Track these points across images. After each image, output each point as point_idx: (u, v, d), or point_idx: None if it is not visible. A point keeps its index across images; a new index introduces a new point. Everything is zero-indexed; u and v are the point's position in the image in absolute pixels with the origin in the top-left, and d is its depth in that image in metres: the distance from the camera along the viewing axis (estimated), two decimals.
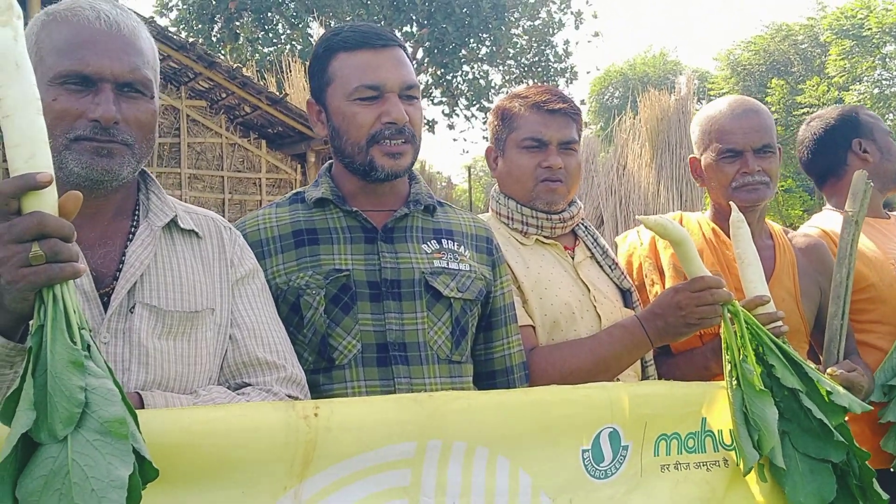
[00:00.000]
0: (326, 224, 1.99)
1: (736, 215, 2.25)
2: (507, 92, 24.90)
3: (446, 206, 2.16)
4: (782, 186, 24.54)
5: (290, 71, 11.90)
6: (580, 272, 2.37)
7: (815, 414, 1.99)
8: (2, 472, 1.13)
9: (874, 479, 2.05)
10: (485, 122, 25.49)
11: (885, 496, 2.09)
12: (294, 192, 2.12)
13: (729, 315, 2.09)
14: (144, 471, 1.21)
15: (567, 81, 25.27)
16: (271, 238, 1.97)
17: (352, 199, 2.03)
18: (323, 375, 1.88)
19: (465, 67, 24.26)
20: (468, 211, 2.23)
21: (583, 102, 33.53)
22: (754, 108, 2.53)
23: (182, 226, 1.71)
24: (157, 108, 1.65)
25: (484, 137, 29.16)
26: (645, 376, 2.39)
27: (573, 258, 2.40)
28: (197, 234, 1.74)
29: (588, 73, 35.41)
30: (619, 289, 2.44)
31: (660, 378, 2.42)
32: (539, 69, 24.91)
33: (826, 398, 2.02)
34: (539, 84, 2.46)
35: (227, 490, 1.44)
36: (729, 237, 2.48)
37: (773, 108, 20.11)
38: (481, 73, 24.69)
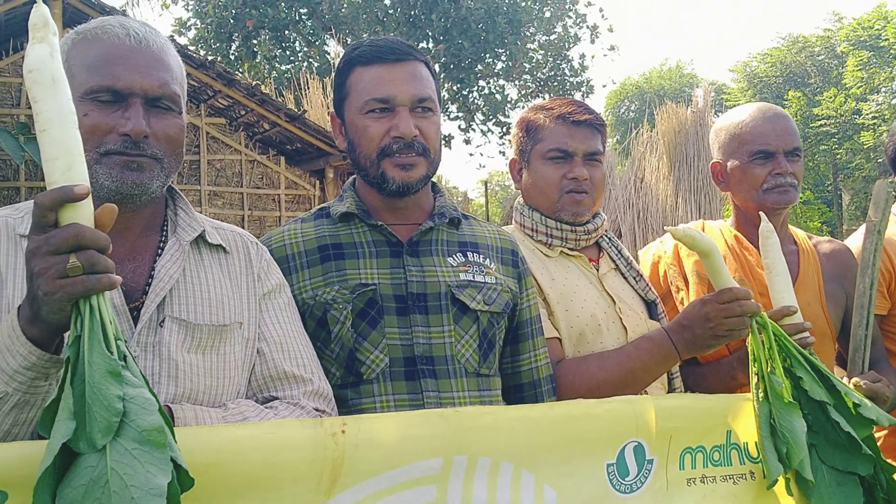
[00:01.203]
0: (352, 238, 2.00)
1: (765, 225, 2.25)
2: (524, 106, 25.02)
3: (471, 219, 2.17)
4: (801, 198, 24.42)
5: (308, 88, 11.96)
6: (605, 284, 2.37)
7: (843, 427, 1.97)
8: (42, 481, 1.14)
9: None
10: (501, 137, 25.66)
11: None
12: (319, 207, 2.13)
13: (757, 326, 2.08)
14: (181, 479, 1.22)
15: (583, 95, 25.26)
16: (297, 253, 1.98)
17: (376, 213, 2.04)
18: (351, 390, 1.89)
19: (482, 82, 24.32)
20: (493, 223, 2.23)
21: None
22: (783, 112, 2.58)
23: (210, 241, 1.73)
24: (185, 123, 1.68)
25: (501, 152, 29.19)
26: (671, 388, 2.39)
27: (598, 270, 2.40)
28: (224, 249, 1.76)
29: (604, 86, 35.25)
30: (644, 300, 2.43)
31: (686, 389, 2.41)
32: (555, 83, 24.93)
33: (854, 411, 2.01)
34: (564, 97, 2.46)
35: None
36: (752, 244, 2.49)
37: None
38: (497, 88, 24.75)
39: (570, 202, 2.34)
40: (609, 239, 2.49)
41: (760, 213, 2.31)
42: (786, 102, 23.29)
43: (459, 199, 22.13)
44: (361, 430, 1.54)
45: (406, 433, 1.60)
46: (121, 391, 1.19)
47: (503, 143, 25.92)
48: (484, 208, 23.87)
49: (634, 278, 2.44)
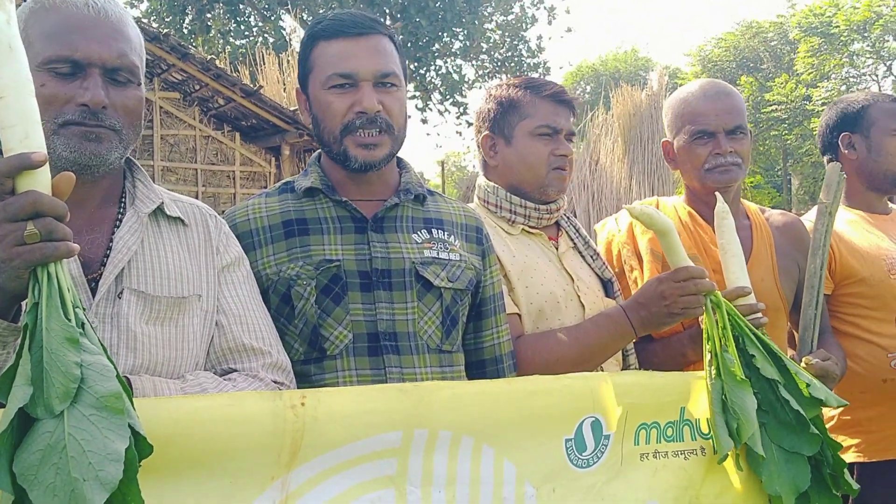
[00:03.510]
0: (316, 214, 1.98)
1: (721, 206, 2.28)
2: (481, 86, 24.97)
3: (437, 196, 2.17)
4: (750, 182, 24.78)
5: (264, 63, 11.84)
6: (564, 262, 2.39)
7: (791, 406, 2.02)
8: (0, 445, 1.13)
9: (846, 470, 2.09)
10: (458, 117, 25.58)
11: (855, 486, 2.13)
12: (283, 181, 2.11)
13: (711, 305, 2.12)
14: (140, 446, 1.22)
15: (541, 76, 25.34)
16: (261, 228, 1.97)
17: (341, 189, 2.03)
18: (314, 366, 1.88)
19: (439, 62, 24.27)
20: (457, 200, 2.24)
21: None
22: (726, 90, 2.56)
23: (168, 213, 1.71)
24: (143, 95, 1.66)
25: (458, 132, 29.16)
26: (626, 365, 2.42)
27: (557, 248, 2.42)
28: (183, 221, 1.74)
29: (561, 68, 35.52)
30: (601, 279, 2.46)
31: (639, 365, 2.45)
32: (512, 64, 24.99)
33: (805, 391, 2.05)
34: (535, 77, 2.48)
35: (216, 480, 1.44)
36: (705, 221, 2.52)
37: None
38: (455, 68, 24.73)
39: (557, 178, 2.37)
40: (567, 218, 2.51)
41: (716, 193, 2.34)
42: (739, 87, 23.59)
43: None
44: (321, 402, 1.54)
45: (366, 407, 1.61)
46: (78, 358, 1.19)
47: (460, 123, 25.92)
48: (441, 188, 23.88)
49: (591, 257, 2.46)
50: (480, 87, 25.55)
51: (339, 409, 1.57)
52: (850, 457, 2.68)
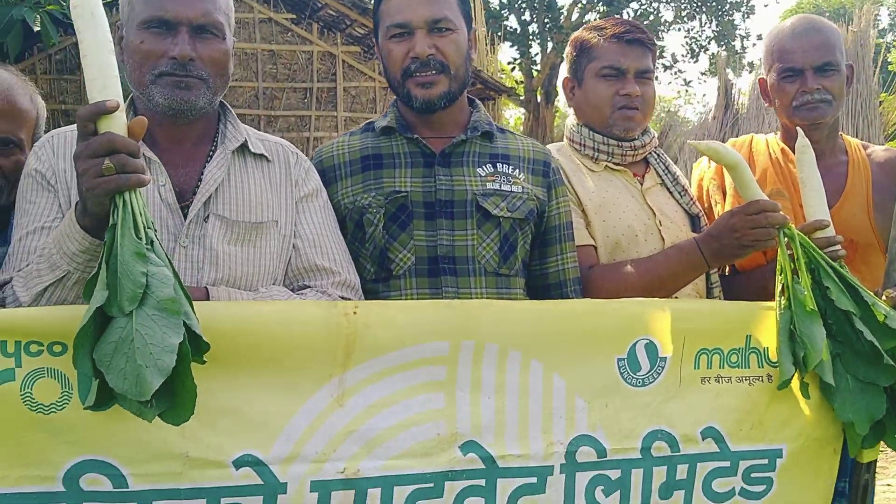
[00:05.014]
0: (391, 150, 2.21)
1: (801, 140, 2.28)
2: (679, 28, 24.06)
3: (507, 133, 2.33)
4: None
5: None
6: (647, 198, 2.47)
7: (866, 337, 2.03)
8: (81, 337, 1.43)
9: None
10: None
11: None
12: (367, 121, 2.35)
13: (785, 239, 2.15)
14: (198, 343, 1.48)
15: (743, 16, 24.12)
16: (343, 164, 2.21)
17: (413, 128, 2.23)
18: (382, 284, 2.12)
19: (634, 4, 23.60)
20: (530, 139, 2.38)
21: (760, 38, 31.84)
22: (816, 26, 2.53)
23: (253, 150, 1.98)
24: (229, 47, 1.92)
25: (655, 77, 28.42)
26: (711, 297, 2.47)
27: (642, 184, 2.50)
28: (266, 157, 2.00)
29: (766, 6, 33.44)
30: (689, 214, 2.52)
31: (724, 297, 2.49)
32: (713, 3, 23.88)
33: (882, 322, 2.04)
34: (615, 17, 2.55)
35: (281, 373, 1.70)
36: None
37: None
38: (651, 10, 23.96)
39: (622, 118, 2.44)
40: (658, 155, 2.57)
41: (797, 128, 2.33)
42: None
43: None
44: (372, 312, 1.76)
45: (414, 317, 1.81)
46: (145, 268, 1.45)
47: (657, 67, 25.18)
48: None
49: (679, 193, 2.52)
50: (679, 30, 24.70)
51: (388, 318, 1.78)
52: None
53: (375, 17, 2.25)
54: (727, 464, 2.02)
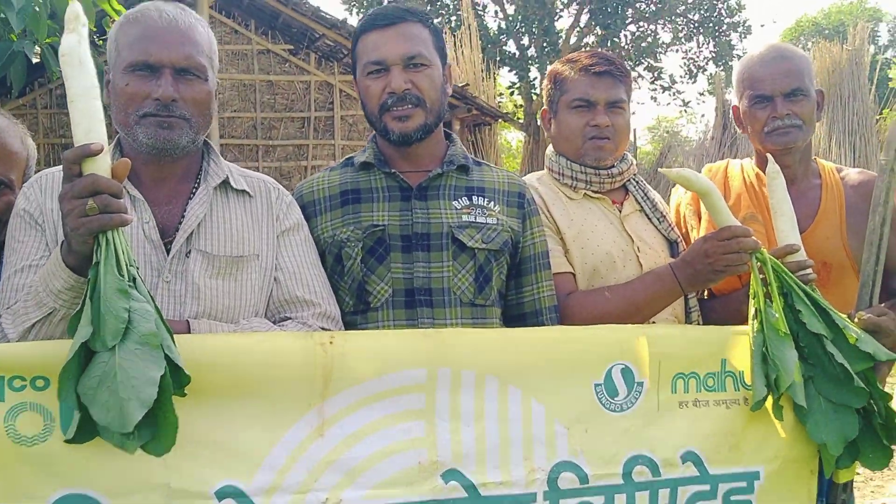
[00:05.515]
0: (369, 184, 2.28)
1: (772, 167, 2.34)
2: (677, 50, 24.17)
3: (483, 166, 2.40)
4: None
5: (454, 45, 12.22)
6: (626, 224, 2.53)
7: (837, 359, 2.08)
8: (67, 372, 1.49)
9: None
10: (653, 82, 25.01)
11: None
12: (346, 157, 2.42)
13: (758, 263, 2.20)
14: (179, 376, 1.54)
15: (740, 36, 24.29)
16: (322, 199, 2.28)
17: (391, 162, 2.31)
18: (360, 316, 2.19)
19: (632, 27, 23.77)
20: (505, 170, 2.45)
21: None
22: (784, 53, 2.59)
23: (235, 186, 2.05)
24: (212, 88, 1.99)
25: (652, 98, 28.52)
26: (689, 321, 2.53)
27: (621, 211, 2.56)
28: (249, 193, 2.08)
29: (762, 26, 33.65)
30: (667, 240, 2.58)
31: (702, 322, 2.54)
32: (710, 24, 24.06)
33: (853, 345, 2.10)
34: (591, 49, 2.61)
35: (261, 403, 1.74)
36: None
37: None
38: (648, 32, 24.13)
39: (593, 148, 2.51)
40: (636, 182, 2.63)
41: (768, 154, 2.39)
42: None
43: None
44: (348, 342, 1.82)
45: (390, 346, 1.86)
46: (127, 304, 1.52)
47: (655, 89, 25.31)
48: (651, 155, 23.44)
49: (658, 219, 2.58)
50: (676, 51, 24.86)
51: (364, 347, 1.83)
52: None
53: (353, 56, 2.33)
54: (707, 487, 2.05)
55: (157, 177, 1.97)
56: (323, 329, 2.00)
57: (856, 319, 2.21)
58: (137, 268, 1.60)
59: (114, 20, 2.02)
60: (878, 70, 16.96)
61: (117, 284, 1.53)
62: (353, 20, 10.55)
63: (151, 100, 1.89)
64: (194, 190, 2.01)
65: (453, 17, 22.03)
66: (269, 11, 9.82)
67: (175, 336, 1.58)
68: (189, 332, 1.81)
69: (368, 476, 1.79)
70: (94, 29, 3.19)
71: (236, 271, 1.96)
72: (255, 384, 1.74)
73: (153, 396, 1.46)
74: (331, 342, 1.78)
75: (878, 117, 16.40)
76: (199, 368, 1.62)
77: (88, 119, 1.61)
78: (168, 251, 1.91)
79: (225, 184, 2.04)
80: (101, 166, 1.58)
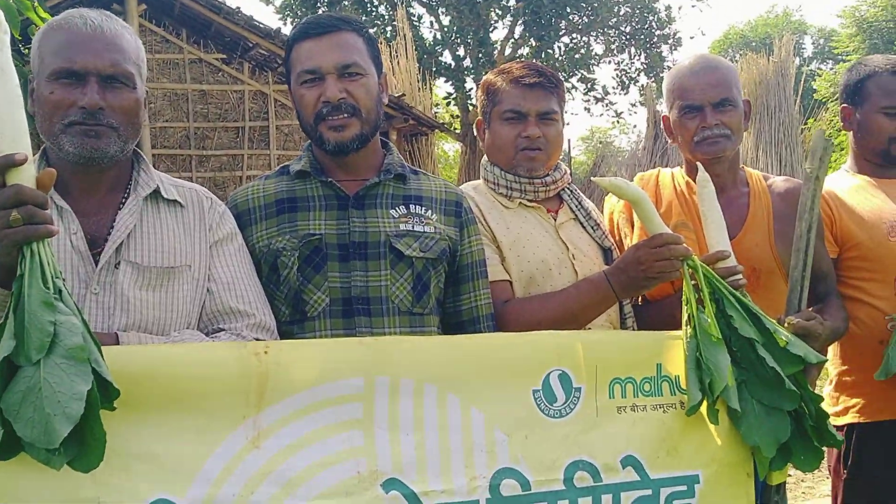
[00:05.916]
0: (306, 193, 2.25)
1: (701, 175, 2.38)
2: (610, 61, 24.53)
3: (421, 175, 2.40)
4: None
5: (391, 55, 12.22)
6: (561, 233, 2.55)
7: (768, 363, 2.11)
8: None
9: (828, 422, 2.17)
10: (586, 93, 25.36)
11: (839, 437, 2.21)
12: (281, 165, 2.39)
13: (689, 270, 2.23)
14: (108, 390, 1.50)
15: (670, 48, 24.77)
16: (258, 207, 2.25)
17: (328, 171, 2.28)
18: (297, 326, 2.16)
19: (565, 39, 24.06)
20: (442, 179, 2.45)
21: None
22: (712, 64, 2.64)
23: (166, 196, 2.00)
24: (140, 96, 1.94)
25: (586, 108, 28.88)
26: (624, 328, 2.56)
27: (556, 220, 2.58)
28: (180, 203, 2.03)
29: (692, 38, 34.38)
30: (601, 248, 2.61)
31: (637, 328, 2.58)
32: (641, 36, 24.48)
33: (783, 348, 2.14)
34: (523, 60, 2.64)
35: (193, 416, 1.70)
36: None
37: None
38: (582, 44, 24.45)
39: (524, 158, 2.53)
40: (571, 191, 2.66)
41: (697, 163, 2.44)
42: None
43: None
44: (283, 351, 1.79)
45: (326, 355, 1.83)
46: (53, 318, 1.47)
47: (588, 100, 25.64)
48: (588, 165, 23.70)
49: (592, 227, 2.61)
50: (609, 62, 25.23)
51: (300, 356, 1.80)
52: (849, 417, 2.75)
53: (287, 65, 2.30)
54: (649, 492, 2.06)
55: (86, 187, 1.91)
56: (257, 339, 1.96)
57: (785, 324, 2.25)
58: (64, 280, 1.56)
59: (39, 28, 1.95)
60: (802, 81, 17.45)
61: (42, 297, 1.48)
62: (287, 29, 10.50)
63: (77, 108, 1.83)
64: (124, 200, 1.96)
65: (388, 28, 22.04)
66: (202, 20, 9.72)
67: (105, 348, 1.54)
68: (118, 345, 1.76)
69: (307, 487, 1.76)
70: (20, 38, 3.10)
71: (167, 282, 1.92)
72: (187, 395, 1.70)
73: (80, 411, 1.41)
74: (265, 352, 1.75)
75: (803, 127, 16.88)
76: (129, 381, 1.57)
77: (12, 128, 1.56)
78: (97, 262, 1.86)
79: (156, 194, 1.99)
80: (26, 177, 1.53)
